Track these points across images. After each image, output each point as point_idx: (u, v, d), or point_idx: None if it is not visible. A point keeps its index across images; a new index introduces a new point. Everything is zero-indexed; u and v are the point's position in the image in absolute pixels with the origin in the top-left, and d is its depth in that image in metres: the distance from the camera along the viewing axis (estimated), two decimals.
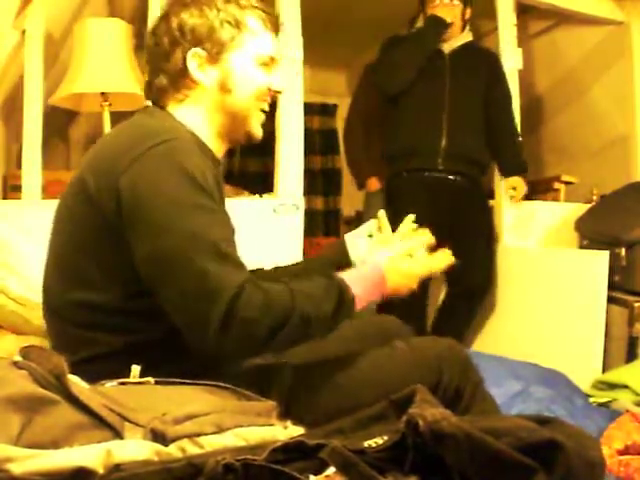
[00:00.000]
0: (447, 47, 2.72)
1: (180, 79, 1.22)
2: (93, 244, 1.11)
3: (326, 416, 0.93)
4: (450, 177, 2.67)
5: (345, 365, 1.17)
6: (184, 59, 1.21)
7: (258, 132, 1.29)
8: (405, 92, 2.67)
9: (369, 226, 1.39)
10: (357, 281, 1.14)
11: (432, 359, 1.16)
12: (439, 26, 2.65)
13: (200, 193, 1.07)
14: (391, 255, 1.25)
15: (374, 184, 3.05)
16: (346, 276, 1.14)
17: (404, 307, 1.47)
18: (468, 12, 2.75)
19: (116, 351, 1.11)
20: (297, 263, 1.53)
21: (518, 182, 2.77)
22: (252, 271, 1.14)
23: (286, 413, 0.96)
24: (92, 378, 1.01)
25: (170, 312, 1.06)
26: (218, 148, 1.27)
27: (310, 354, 1.20)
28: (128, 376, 1.03)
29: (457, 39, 2.74)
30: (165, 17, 1.24)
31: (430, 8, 2.67)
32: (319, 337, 1.11)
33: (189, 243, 1.03)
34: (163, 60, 1.23)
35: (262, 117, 1.29)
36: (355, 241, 1.37)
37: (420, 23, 2.78)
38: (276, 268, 1.46)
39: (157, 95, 1.25)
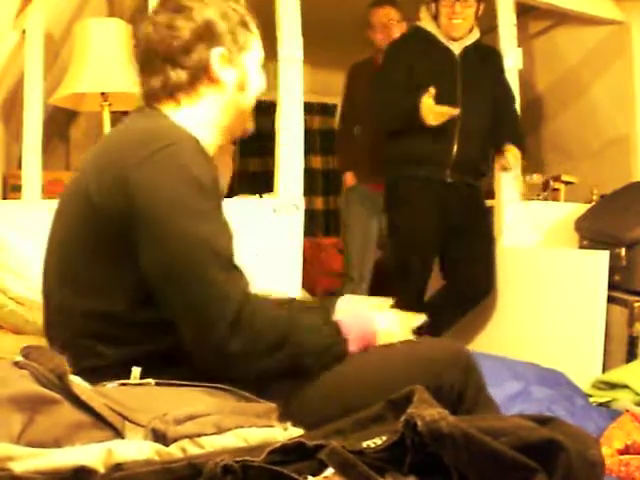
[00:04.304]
0: (457, 47, 2.64)
1: (201, 76, 1.22)
2: (96, 251, 1.09)
3: (325, 419, 0.92)
4: (455, 185, 2.65)
5: (343, 368, 1.15)
6: (207, 56, 1.21)
7: (251, 127, 1.37)
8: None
9: (379, 303, 1.34)
10: (352, 328, 1.17)
11: (432, 362, 1.14)
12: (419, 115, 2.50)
13: (207, 199, 1.08)
14: (386, 320, 1.24)
15: (350, 179, 3.27)
16: (344, 321, 1.18)
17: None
18: (481, 8, 2.64)
19: (117, 363, 1.08)
20: (287, 300, 1.47)
21: (513, 151, 2.69)
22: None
23: (285, 417, 0.96)
24: None
25: (175, 317, 1.06)
26: (214, 146, 1.28)
27: None
28: None
29: (467, 38, 2.66)
30: (184, 10, 1.21)
31: (443, 7, 2.58)
32: (306, 372, 1.12)
33: (198, 250, 1.04)
34: (181, 53, 1.20)
35: None
36: (352, 302, 1.34)
37: (425, 16, 2.67)
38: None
39: (169, 89, 1.22)
